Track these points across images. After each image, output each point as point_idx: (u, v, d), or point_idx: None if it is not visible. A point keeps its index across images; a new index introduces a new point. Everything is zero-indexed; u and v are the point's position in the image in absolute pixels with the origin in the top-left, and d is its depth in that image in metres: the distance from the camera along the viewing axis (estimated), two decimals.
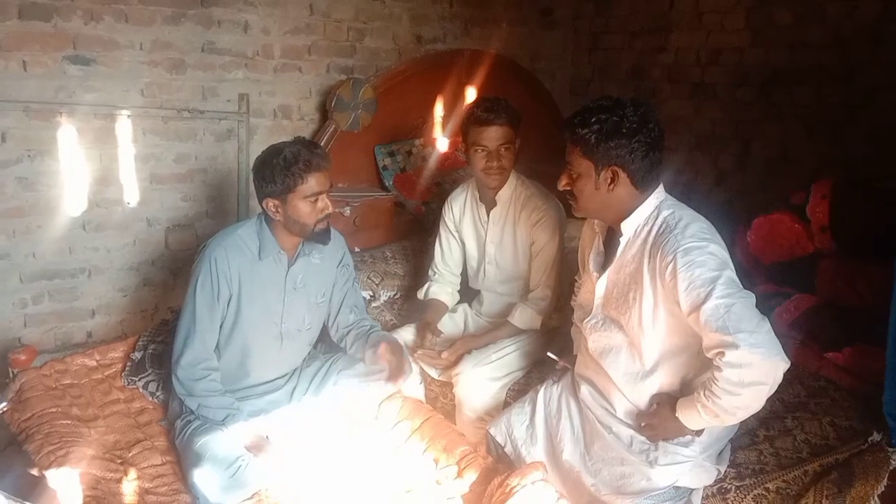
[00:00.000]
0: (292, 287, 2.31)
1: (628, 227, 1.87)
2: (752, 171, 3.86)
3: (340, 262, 2.45)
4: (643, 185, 1.85)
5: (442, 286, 2.85)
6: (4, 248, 3.09)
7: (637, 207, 1.86)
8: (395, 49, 4.07)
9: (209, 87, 3.48)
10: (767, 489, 1.86)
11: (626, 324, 1.89)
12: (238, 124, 3.44)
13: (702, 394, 1.71)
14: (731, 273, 1.72)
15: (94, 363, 2.67)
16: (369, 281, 3.15)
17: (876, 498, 1.79)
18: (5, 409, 1.89)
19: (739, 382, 1.62)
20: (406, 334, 2.74)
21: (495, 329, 2.64)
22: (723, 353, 1.62)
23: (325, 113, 3.79)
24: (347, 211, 3.46)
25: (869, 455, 1.90)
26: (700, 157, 4.09)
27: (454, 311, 2.86)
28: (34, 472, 2.06)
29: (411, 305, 3.04)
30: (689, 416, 1.78)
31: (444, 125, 4.08)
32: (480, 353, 2.54)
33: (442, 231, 2.84)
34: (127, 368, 2.61)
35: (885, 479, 1.82)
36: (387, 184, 3.88)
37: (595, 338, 2.00)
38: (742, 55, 3.86)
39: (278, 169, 2.11)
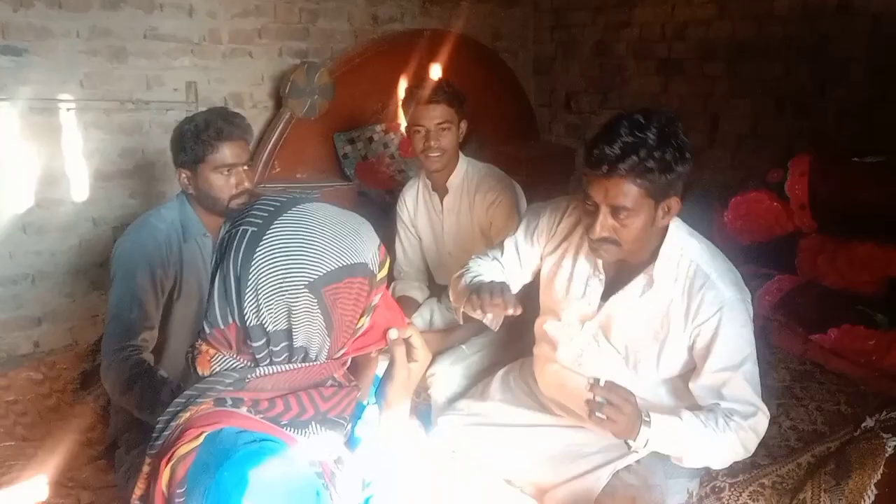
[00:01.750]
0: None
1: (661, 274, 1.68)
2: (721, 147, 3.80)
3: None
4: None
5: (409, 283, 2.73)
6: None
7: (662, 242, 1.68)
8: (351, 30, 3.92)
9: (154, 76, 3.29)
10: (763, 485, 1.79)
11: (635, 356, 1.76)
12: (186, 114, 3.24)
13: (706, 418, 1.63)
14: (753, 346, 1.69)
15: (41, 376, 2.52)
16: None
17: (872, 487, 1.74)
18: None
19: (748, 440, 1.64)
20: None
21: (467, 324, 2.53)
22: (742, 415, 1.64)
23: (279, 100, 3.63)
24: None
25: (864, 443, 1.84)
26: None
27: (422, 306, 2.75)
28: None
29: None
30: (663, 426, 1.61)
31: (404, 110, 3.93)
32: (455, 352, 2.43)
33: (400, 227, 2.73)
34: (76, 381, 2.46)
35: (882, 467, 1.76)
36: (348, 173, 3.73)
37: (573, 350, 1.85)
38: (708, 29, 3.79)
39: (188, 136, 1.95)
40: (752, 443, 1.65)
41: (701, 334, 1.65)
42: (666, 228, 1.68)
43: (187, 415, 1.00)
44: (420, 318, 2.68)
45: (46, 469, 2.04)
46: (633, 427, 1.57)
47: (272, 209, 1.01)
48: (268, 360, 1.01)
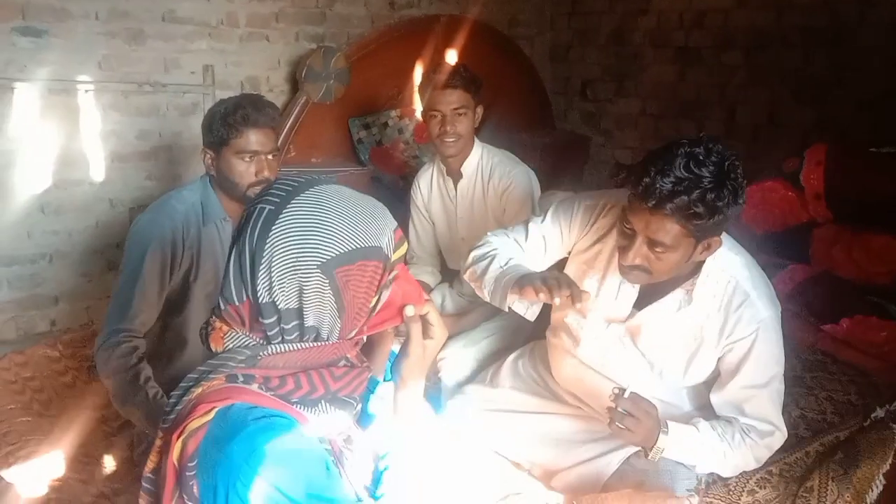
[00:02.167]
0: None
1: (702, 292, 1.63)
2: (738, 136, 3.77)
3: None
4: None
5: (421, 267, 2.75)
6: None
7: (701, 269, 1.64)
8: (368, 15, 3.91)
9: (171, 59, 3.30)
10: (770, 472, 1.79)
11: (662, 363, 1.75)
12: (203, 97, 3.28)
13: (723, 431, 1.67)
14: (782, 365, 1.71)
15: (58, 354, 2.54)
16: None
17: (881, 477, 1.74)
18: None
19: (761, 455, 1.69)
20: None
21: (478, 309, 2.54)
22: (760, 433, 1.67)
23: (295, 84, 3.63)
24: None
25: (874, 433, 1.84)
26: (685, 124, 4.00)
27: (433, 291, 2.76)
28: None
29: None
30: (680, 437, 1.64)
31: (421, 95, 3.93)
32: (466, 336, 2.43)
33: (413, 212, 2.74)
34: (92, 360, 2.48)
35: (891, 457, 1.76)
36: (362, 158, 3.74)
37: (597, 349, 1.82)
38: (727, 17, 3.76)
39: (217, 117, 1.96)
40: (765, 457, 1.69)
41: (734, 350, 1.64)
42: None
43: (199, 390, 1.01)
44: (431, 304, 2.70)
45: (62, 445, 2.07)
46: (652, 437, 1.60)
47: (290, 189, 1.03)
48: (279, 339, 1.02)
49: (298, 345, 1.03)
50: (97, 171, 3.19)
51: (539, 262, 1.93)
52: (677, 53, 4.01)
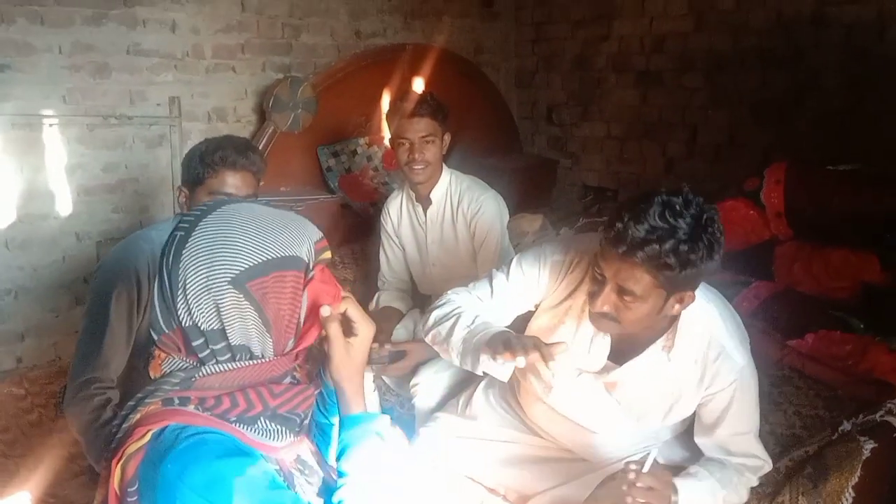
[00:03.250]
0: None
1: (680, 349, 1.60)
2: (700, 157, 3.86)
3: None
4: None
5: (392, 293, 2.75)
6: None
7: (677, 321, 1.60)
8: (334, 45, 3.94)
9: (137, 91, 3.29)
10: None
11: (640, 412, 1.73)
12: (170, 129, 3.28)
13: (722, 476, 1.66)
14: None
15: (23, 392, 2.52)
16: None
17: (850, 489, 1.76)
18: None
19: (750, 486, 1.72)
20: None
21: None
22: (753, 469, 1.70)
23: (262, 114, 3.64)
24: None
25: (841, 446, 1.86)
26: (648, 146, 4.07)
27: (404, 317, 2.76)
28: None
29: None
30: (689, 495, 1.59)
31: (388, 123, 3.96)
32: (438, 362, 2.43)
33: (383, 238, 2.75)
34: (61, 396, 2.43)
35: (859, 469, 1.78)
36: (332, 185, 3.74)
37: (568, 398, 1.77)
38: (686, 41, 3.85)
39: (196, 155, 1.93)
40: (752, 486, 1.73)
41: (714, 401, 1.63)
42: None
43: (137, 416, 1.02)
44: (404, 329, 2.69)
45: (29, 485, 2.03)
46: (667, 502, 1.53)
47: (200, 212, 1.04)
48: (213, 360, 1.02)
49: (232, 364, 1.02)
50: (63, 204, 3.16)
51: (504, 319, 1.85)
52: (639, 77, 4.09)
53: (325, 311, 1.05)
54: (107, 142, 3.25)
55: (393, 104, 2.54)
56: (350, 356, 1.08)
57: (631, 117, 4.14)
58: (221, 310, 0.99)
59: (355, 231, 3.55)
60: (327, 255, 1.08)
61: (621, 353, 1.67)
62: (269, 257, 1.00)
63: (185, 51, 3.41)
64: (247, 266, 0.99)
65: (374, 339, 2.48)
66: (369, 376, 2.58)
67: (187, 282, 0.99)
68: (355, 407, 1.09)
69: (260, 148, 3.51)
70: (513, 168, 4.12)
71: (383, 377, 2.58)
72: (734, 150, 3.70)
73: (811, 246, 2.53)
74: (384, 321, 2.65)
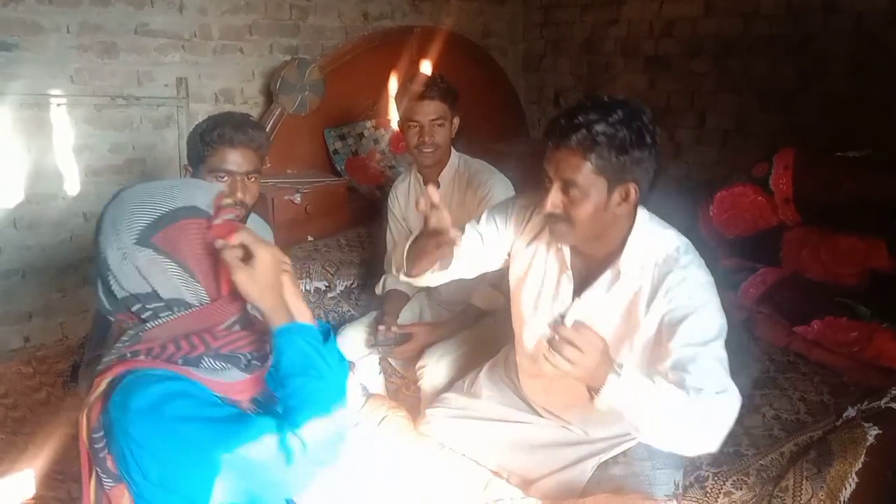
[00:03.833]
0: None
1: (628, 265, 1.62)
2: (708, 142, 3.84)
3: None
4: (642, 203, 1.63)
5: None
6: None
7: (629, 233, 1.63)
8: (342, 27, 3.92)
9: (144, 72, 3.29)
10: (747, 473, 1.81)
11: (613, 351, 1.61)
12: (177, 110, 3.27)
13: (676, 387, 1.47)
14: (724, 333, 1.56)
15: (31, 371, 2.53)
16: (324, 271, 3.02)
17: (854, 475, 1.77)
18: None
19: (716, 424, 1.46)
20: (359, 329, 2.62)
21: (456, 316, 2.55)
22: (711, 391, 1.44)
23: (269, 96, 3.63)
24: (298, 198, 3.32)
25: (846, 432, 1.88)
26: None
27: (410, 300, 2.76)
28: None
29: (369, 294, 2.93)
30: (634, 380, 1.45)
31: (397, 105, 3.95)
32: (445, 344, 2.44)
33: (390, 221, 2.75)
34: (68, 374, 2.46)
35: (863, 455, 1.80)
36: (338, 168, 3.74)
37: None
38: (695, 25, 3.82)
39: (196, 133, 1.93)
40: (720, 428, 1.46)
41: (671, 314, 1.56)
42: (632, 220, 1.63)
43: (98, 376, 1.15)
44: (410, 312, 2.70)
45: (36, 463, 2.04)
46: (599, 375, 1.42)
47: (112, 197, 1.18)
48: (155, 319, 1.14)
49: (173, 315, 1.14)
50: (71, 185, 3.17)
51: (476, 260, 1.90)
52: (647, 62, 4.07)
53: (217, 244, 1.13)
54: (114, 122, 3.25)
55: (402, 87, 2.54)
56: (254, 279, 1.14)
57: (640, 101, 4.12)
58: (142, 270, 1.11)
59: (362, 214, 3.55)
60: (229, 201, 1.21)
61: (583, 290, 1.70)
62: (167, 210, 1.13)
63: (192, 31, 3.40)
64: (146, 223, 1.11)
65: (381, 322, 2.52)
66: (375, 358, 2.60)
67: (108, 259, 1.11)
68: (277, 321, 1.16)
69: (267, 130, 3.52)
70: (520, 152, 4.10)
71: (389, 360, 2.59)
72: (742, 135, 3.68)
73: (819, 232, 2.52)
74: (391, 303, 2.66)
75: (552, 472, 1.85)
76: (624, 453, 1.82)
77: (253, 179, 1.97)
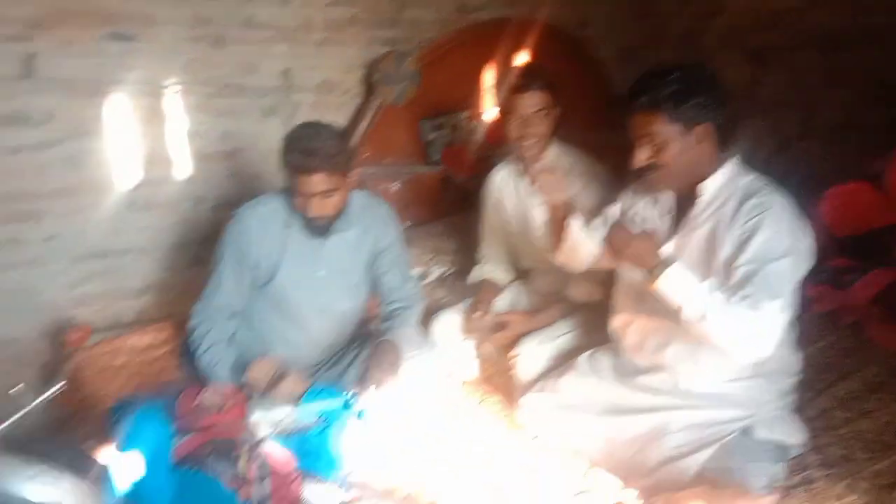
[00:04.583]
0: (323, 265, 2.23)
1: (710, 186, 1.85)
2: (815, 138, 3.69)
3: (383, 236, 2.34)
4: (724, 145, 1.84)
5: (492, 266, 2.78)
6: (53, 229, 3.07)
7: (718, 170, 1.84)
8: (438, 19, 3.95)
9: (251, 63, 3.40)
10: (859, 478, 1.75)
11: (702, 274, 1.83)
12: (281, 100, 3.37)
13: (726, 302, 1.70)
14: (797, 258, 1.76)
15: (147, 343, 2.66)
16: (420, 258, 3.08)
17: None
18: (62, 388, 1.87)
19: (760, 328, 1.69)
20: (454, 315, 2.66)
21: (553, 307, 2.56)
22: (758, 298, 1.68)
23: (368, 87, 3.69)
24: (395, 187, 3.39)
25: None
26: (760, 126, 3.92)
27: (506, 289, 2.78)
28: (89, 451, 2.04)
29: (464, 282, 2.96)
30: (679, 271, 1.73)
31: (491, 97, 3.96)
32: (542, 333, 2.46)
33: (484, 211, 2.77)
34: (178, 349, 2.59)
35: None
36: (434, 158, 3.79)
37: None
38: (803, 17, 3.68)
39: (281, 154, 2.07)
40: (766, 335, 1.69)
41: (742, 235, 1.76)
42: (716, 160, 1.85)
43: None
44: (505, 301, 2.73)
45: None
46: (649, 257, 1.76)
47: None
48: None
49: None
50: (182, 169, 3.31)
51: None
52: (751, 55, 3.94)
53: None
54: (223, 111, 3.37)
55: (501, 78, 2.55)
56: None
57: (741, 96, 4.00)
58: None
59: (456, 204, 3.59)
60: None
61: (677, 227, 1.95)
62: None
63: (297, 24, 3.49)
64: None
65: (475, 310, 2.56)
66: (470, 344, 2.63)
67: None
68: None
69: (366, 120, 3.59)
70: (615, 145, 4.04)
71: (483, 346, 2.61)
72: (853, 130, 3.52)
73: None
74: (484, 292, 2.68)
75: (651, 468, 1.84)
76: (720, 447, 1.80)
77: (326, 197, 2.07)
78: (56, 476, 1.51)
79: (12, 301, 2.99)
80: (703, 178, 1.85)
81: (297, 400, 1.95)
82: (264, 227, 2.20)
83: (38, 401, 1.66)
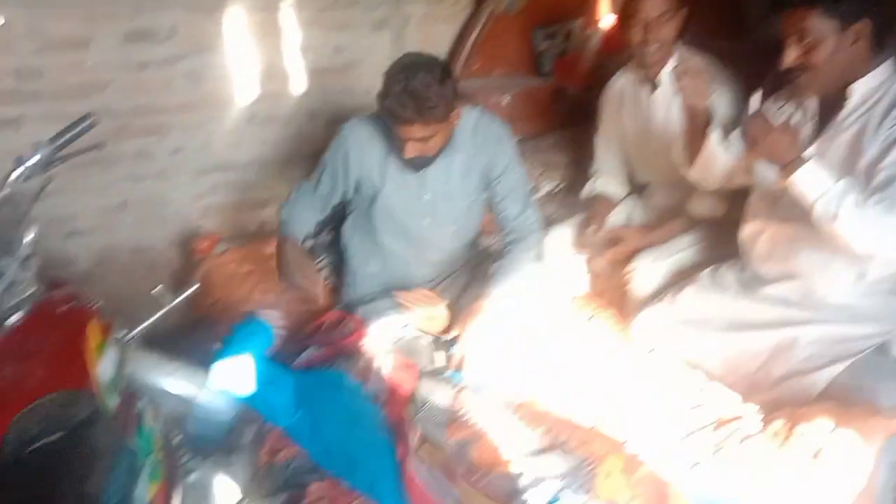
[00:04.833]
0: (428, 190, 2.23)
1: (860, 89, 1.74)
2: None
3: (498, 159, 2.26)
4: (880, 45, 1.70)
5: (607, 180, 2.71)
6: (179, 142, 3.20)
7: (870, 72, 1.72)
8: None
9: None
10: None
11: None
12: (391, 12, 3.34)
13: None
14: None
15: (271, 251, 2.77)
16: (530, 172, 3.03)
17: None
18: (196, 290, 2.01)
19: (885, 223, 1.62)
20: (565, 229, 2.64)
21: (671, 222, 2.49)
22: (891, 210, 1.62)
23: None
24: (505, 99, 3.34)
25: None
26: None
27: (620, 204, 2.72)
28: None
29: (574, 197, 2.93)
30: (815, 168, 1.65)
31: (608, 2, 3.78)
32: (658, 249, 2.41)
33: (601, 122, 2.69)
34: None
35: None
36: (545, 69, 3.69)
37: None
38: None
39: (378, 95, 2.05)
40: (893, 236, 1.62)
41: (889, 138, 1.67)
42: (870, 63, 1.73)
43: None
44: (618, 216, 2.68)
45: None
46: (790, 152, 1.67)
47: None
48: None
49: None
50: (298, 84, 3.37)
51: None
52: None
53: None
54: (334, 25, 3.37)
55: None
56: None
57: None
58: None
59: (569, 116, 3.50)
60: None
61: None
62: None
63: None
64: None
65: (589, 223, 2.53)
66: (582, 258, 2.61)
67: None
68: None
69: (476, 30, 3.52)
70: (739, 52, 3.81)
71: (596, 261, 2.59)
72: None
73: None
74: (598, 207, 2.64)
75: (775, 382, 1.81)
76: (852, 364, 1.74)
77: (424, 142, 2.04)
78: (192, 372, 1.65)
79: (143, 211, 3.18)
80: (853, 80, 1.74)
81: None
82: (365, 149, 2.23)
83: (175, 301, 1.76)
